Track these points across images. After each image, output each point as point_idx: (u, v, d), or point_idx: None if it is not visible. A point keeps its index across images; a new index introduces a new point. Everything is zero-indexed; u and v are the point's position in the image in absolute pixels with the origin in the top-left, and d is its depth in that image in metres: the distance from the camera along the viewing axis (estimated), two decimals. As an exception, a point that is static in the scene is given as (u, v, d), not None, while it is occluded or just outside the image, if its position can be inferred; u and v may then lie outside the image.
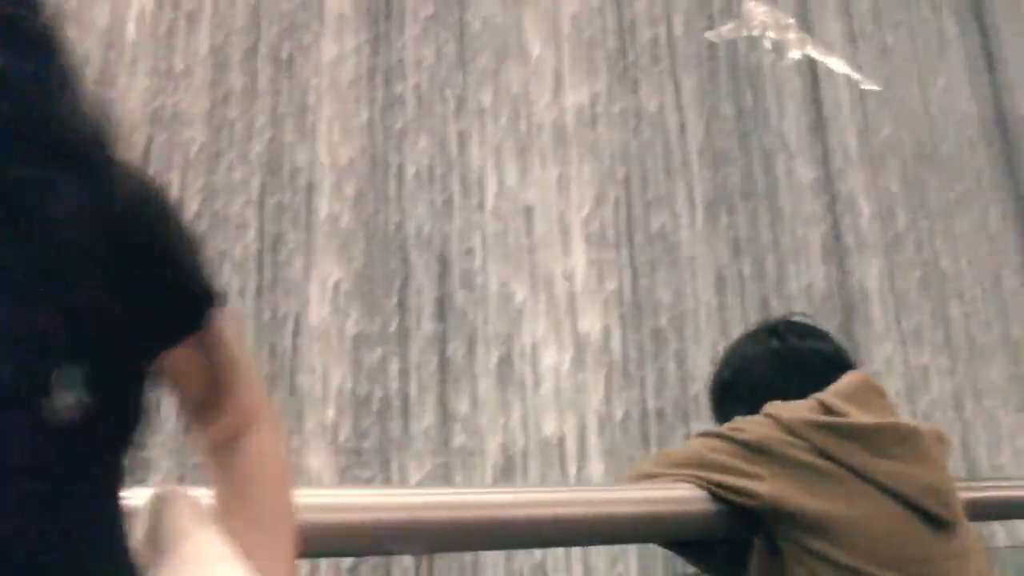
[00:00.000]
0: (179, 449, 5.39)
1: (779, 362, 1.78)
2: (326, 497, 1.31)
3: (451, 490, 1.51)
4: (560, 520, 1.42)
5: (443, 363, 7.81)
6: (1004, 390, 11.41)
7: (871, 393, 1.67)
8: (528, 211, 8.29)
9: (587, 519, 1.44)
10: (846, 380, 1.68)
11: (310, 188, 7.24)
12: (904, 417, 1.70)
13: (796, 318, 1.89)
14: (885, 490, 1.54)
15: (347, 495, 1.34)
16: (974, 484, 1.73)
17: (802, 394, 1.65)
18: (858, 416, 1.59)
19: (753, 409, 1.66)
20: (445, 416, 7.65)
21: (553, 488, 1.58)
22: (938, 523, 1.57)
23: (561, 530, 1.45)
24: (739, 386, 1.79)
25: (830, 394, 1.63)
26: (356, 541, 1.31)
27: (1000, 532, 5.71)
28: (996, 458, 9.86)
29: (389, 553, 1.40)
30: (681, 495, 1.59)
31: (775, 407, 1.63)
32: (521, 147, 8.33)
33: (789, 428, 1.57)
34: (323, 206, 7.38)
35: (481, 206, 8.08)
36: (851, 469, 1.54)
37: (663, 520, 1.61)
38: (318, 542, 1.25)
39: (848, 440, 1.56)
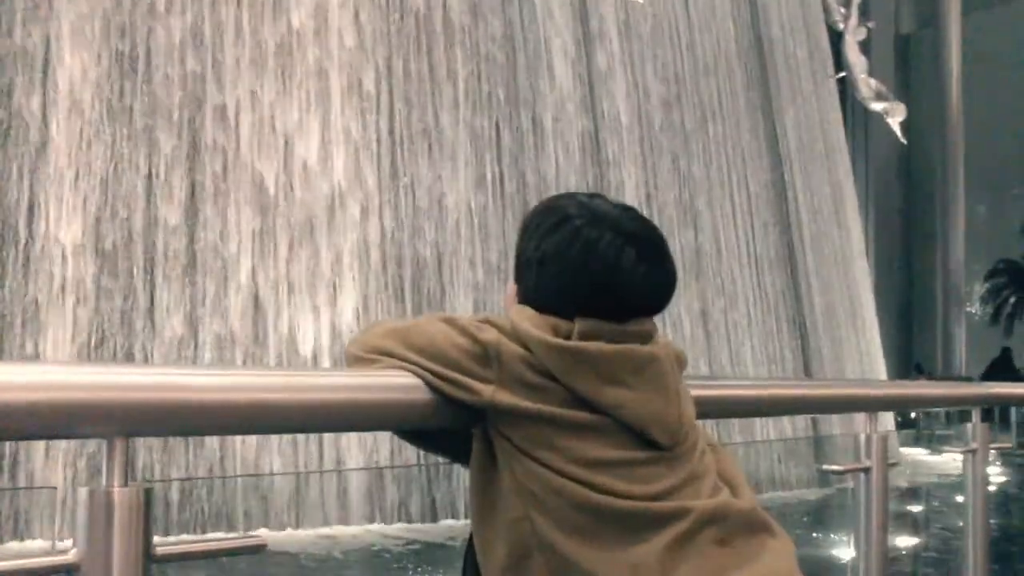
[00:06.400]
0: None
1: (603, 283, 1.59)
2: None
3: (142, 369, 1.39)
4: (266, 405, 1.33)
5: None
6: (745, 298, 11.96)
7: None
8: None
9: (294, 405, 1.35)
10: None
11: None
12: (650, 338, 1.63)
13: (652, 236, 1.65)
14: (608, 415, 1.52)
15: (24, 372, 1.20)
16: (692, 383, 1.76)
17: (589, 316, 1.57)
18: (597, 343, 1.54)
19: (534, 298, 1.61)
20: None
21: (260, 371, 1.48)
22: (658, 446, 1.56)
23: (268, 416, 1.36)
24: (547, 271, 1.62)
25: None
26: (37, 422, 1.19)
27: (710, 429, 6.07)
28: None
29: (74, 436, 1.28)
30: (400, 383, 1.53)
31: (524, 315, 1.57)
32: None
33: (523, 343, 1.53)
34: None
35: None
36: (575, 393, 1.51)
37: (379, 408, 1.55)
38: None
39: (579, 365, 1.52)
